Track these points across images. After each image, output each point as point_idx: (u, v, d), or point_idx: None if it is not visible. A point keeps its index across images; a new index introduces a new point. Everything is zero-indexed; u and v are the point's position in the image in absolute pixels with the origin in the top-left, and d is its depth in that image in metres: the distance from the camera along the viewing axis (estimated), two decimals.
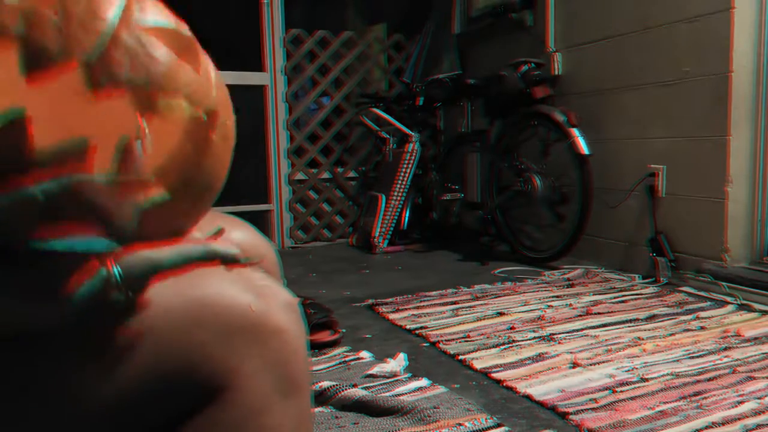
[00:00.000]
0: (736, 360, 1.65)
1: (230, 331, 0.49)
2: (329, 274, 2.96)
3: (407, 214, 3.67)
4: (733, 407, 1.35)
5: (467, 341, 1.86)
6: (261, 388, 0.50)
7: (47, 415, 0.47)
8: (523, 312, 2.15)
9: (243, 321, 0.49)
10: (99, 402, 0.47)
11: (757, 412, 1.33)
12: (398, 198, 3.59)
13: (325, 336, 1.86)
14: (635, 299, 2.30)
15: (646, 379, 1.52)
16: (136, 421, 0.49)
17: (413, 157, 3.59)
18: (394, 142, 3.80)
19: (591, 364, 1.63)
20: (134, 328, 0.47)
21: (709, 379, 1.52)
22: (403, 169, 3.58)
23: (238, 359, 0.49)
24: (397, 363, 1.65)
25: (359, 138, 4.07)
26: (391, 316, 2.14)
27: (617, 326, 1.97)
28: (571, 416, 1.33)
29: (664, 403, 1.39)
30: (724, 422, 1.28)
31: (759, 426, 1.27)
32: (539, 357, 1.70)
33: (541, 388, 1.49)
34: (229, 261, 0.53)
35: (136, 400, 0.48)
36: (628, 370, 1.59)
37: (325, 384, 1.46)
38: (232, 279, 0.51)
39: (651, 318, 2.05)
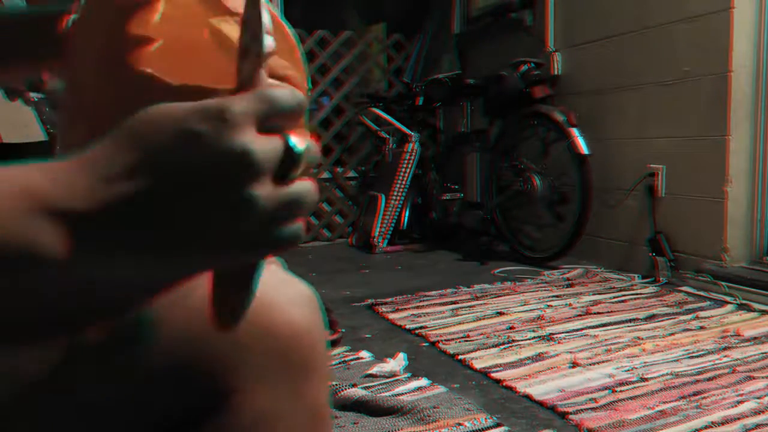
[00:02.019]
0: (736, 360, 1.65)
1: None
2: (329, 273, 2.96)
3: (407, 214, 3.67)
4: (732, 407, 1.35)
5: (467, 341, 1.86)
6: (272, 392, 0.45)
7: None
8: (522, 312, 2.15)
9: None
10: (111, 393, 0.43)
11: (756, 412, 1.33)
12: (398, 198, 3.59)
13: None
14: (635, 299, 2.30)
15: (646, 379, 1.52)
16: (137, 420, 0.45)
17: (413, 157, 3.59)
18: (393, 142, 3.80)
19: (590, 364, 1.63)
20: None
21: (709, 379, 1.52)
22: (403, 169, 3.58)
23: (245, 357, 0.44)
24: (397, 363, 1.65)
25: (359, 138, 4.07)
26: (391, 316, 2.14)
27: (617, 326, 1.97)
28: (570, 416, 1.34)
29: (664, 402, 1.39)
30: (724, 422, 1.28)
31: (758, 425, 1.27)
32: (539, 357, 1.70)
33: (541, 388, 1.49)
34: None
35: (138, 396, 0.44)
36: (628, 370, 1.59)
37: None
38: None
39: (650, 318, 2.05)
